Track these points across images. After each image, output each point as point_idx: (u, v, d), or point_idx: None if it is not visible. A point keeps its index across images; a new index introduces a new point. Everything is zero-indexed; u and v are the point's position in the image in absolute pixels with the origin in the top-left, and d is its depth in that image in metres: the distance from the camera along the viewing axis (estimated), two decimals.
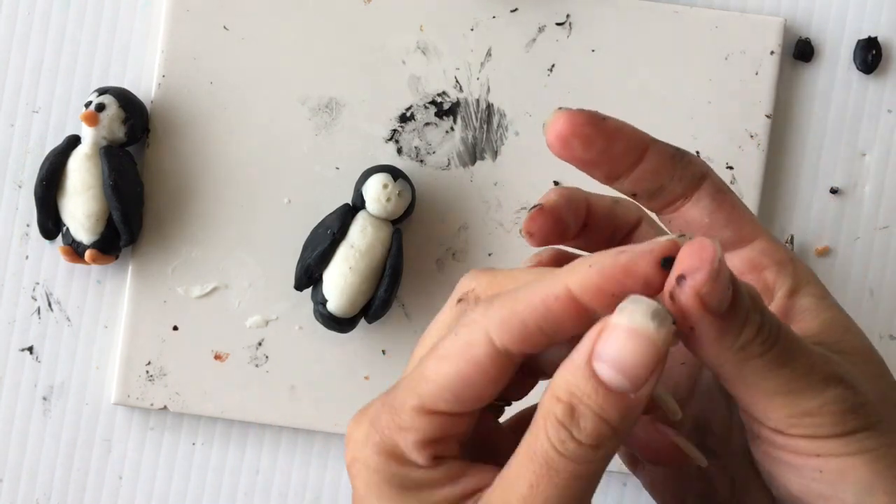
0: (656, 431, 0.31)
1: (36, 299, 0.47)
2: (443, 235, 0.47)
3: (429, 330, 0.32)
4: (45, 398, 0.47)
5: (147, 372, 0.46)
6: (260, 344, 0.47)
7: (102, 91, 0.45)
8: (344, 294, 0.44)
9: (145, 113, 0.46)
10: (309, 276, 0.45)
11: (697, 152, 0.46)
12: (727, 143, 0.46)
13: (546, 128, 0.31)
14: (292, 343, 0.47)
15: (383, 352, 0.47)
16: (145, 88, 0.47)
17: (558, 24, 0.47)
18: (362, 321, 0.46)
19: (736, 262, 0.31)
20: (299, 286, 0.45)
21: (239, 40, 0.47)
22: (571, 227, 0.33)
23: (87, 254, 0.45)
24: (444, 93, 0.47)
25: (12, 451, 0.47)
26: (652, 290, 0.27)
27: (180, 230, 0.47)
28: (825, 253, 0.47)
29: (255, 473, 0.48)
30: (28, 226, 0.47)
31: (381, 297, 0.45)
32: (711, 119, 0.47)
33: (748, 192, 0.46)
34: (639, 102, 0.46)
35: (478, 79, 0.47)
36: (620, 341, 0.26)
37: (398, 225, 0.45)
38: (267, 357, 0.46)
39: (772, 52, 0.46)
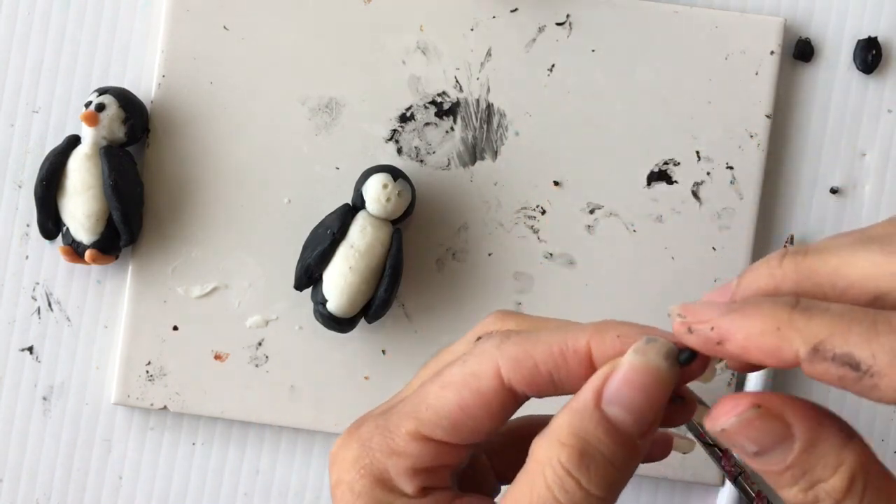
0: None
1: (36, 299, 0.47)
2: (443, 235, 0.47)
3: (438, 357, 0.31)
4: (45, 398, 0.47)
5: (147, 372, 0.46)
6: (260, 344, 0.47)
7: (102, 91, 0.45)
8: (344, 294, 0.44)
9: (145, 113, 0.46)
10: (309, 276, 0.45)
11: (697, 152, 0.46)
12: (727, 142, 0.46)
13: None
14: (292, 343, 0.47)
15: (383, 352, 0.47)
16: (145, 88, 0.47)
17: (558, 24, 0.47)
18: (362, 321, 0.46)
19: None
20: (299, 286, 0.45)
21: (239, 40, 0.47)
22: None
23: (87, 254, 0.45)
24: (444, 93, 0.47)
25: (12, 451, 0.47)
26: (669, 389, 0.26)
27: (180, 230, 0.47)
28: None
29: (255, 473, 0.48)
30: (28, 226, 0.48)
31: (381, 297, 0.45)
32: (711, 119, 0.47)
33: (748, 192, 0.46)
34: (639, 102, 0.46)
35: (478, 79, 0.47)
36: (635, 382, 0.26)
37: (398, 225, 0.45)
38: (267, 357, 0.46)
39: (772, 52, 0.46)
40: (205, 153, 0.47)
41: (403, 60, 0.47)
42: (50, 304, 0.47)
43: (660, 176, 0.47)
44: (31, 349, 0.47)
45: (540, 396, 0.28)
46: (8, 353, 0.47)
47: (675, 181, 0.47)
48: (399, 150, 0.47)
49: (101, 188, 0.45)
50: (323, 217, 0.46)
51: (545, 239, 0.47)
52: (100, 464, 0.47)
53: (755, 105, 0.46)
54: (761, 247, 0.47)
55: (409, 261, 0.46)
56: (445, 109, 0.47)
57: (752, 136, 0.46)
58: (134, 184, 0.46)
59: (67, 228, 0.46)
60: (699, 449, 0.46)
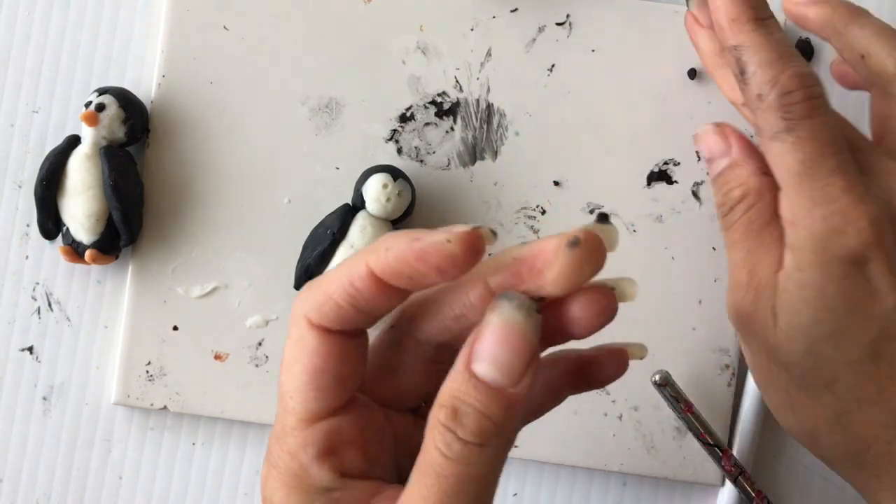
0: (609, 352, 0.33)
1: (36, 299, 0.47)
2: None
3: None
4: (45, 398, 0.48)
5: (147, 372, 0.46)
6: (260, 344, 0.47)
7: (102, 91, 0.46)
8: None
9: (145, 113, 0.46)
10: (309, 276, 0.45)
11: (698, 152, 0.46)
12: None
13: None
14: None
15: None
16: (145, 88, 0.47)
17: (558, 24, 0.47)
18: None
19: None
20: (299, 286, 0.45)
21: (239, 40, 0.47)
22: None
23: (87, 254, 0.45)
24: (444, 93, 0.47)
25: (12, 451, 0.47)
26: (446, 276, 0.28)
27: (180, 230, 0.47)
28: None
29: (254, 473, 0.48)
30: (28, 226, 0.48)
31: None
32: (711, 118, 0.46)
33: None
34: (638, 102, 0.46)
35: (478, 79, 0.47)
36: (494, 338, 0.27)
37: (398, 225, 0.45)
38: (267, 357, 0.46)
39: None
40: (205, 153, 0.47)
41: (403, 60, 0.47)
42: (50, 304, 0.47)
43: (660, 176, 0.47)
44: (31, 349, 0.47)
45: (364, 326, 0.31)
46: (8, 353, 0.47)
47: (675, 181, 0.47)
48: (399, 150, 0.47)
49: (101, 188, 0.45)
50: (323, 217, 0.46)
51: None
52: (100, 464, 0.47)
53: None
54: None
55: None
56: (445, 109, 0.47)
57: (752, 136, 0.46)
58: (134, 184, 0.46)
59: (67, 228, 0.46)
60: (699, 449, 0.46)
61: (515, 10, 0.47)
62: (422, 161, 0.47)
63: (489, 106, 0.47)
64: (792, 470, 0.47)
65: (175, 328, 0.46)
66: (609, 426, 0.46)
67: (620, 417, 0.46)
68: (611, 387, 0.45)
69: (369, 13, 0.47)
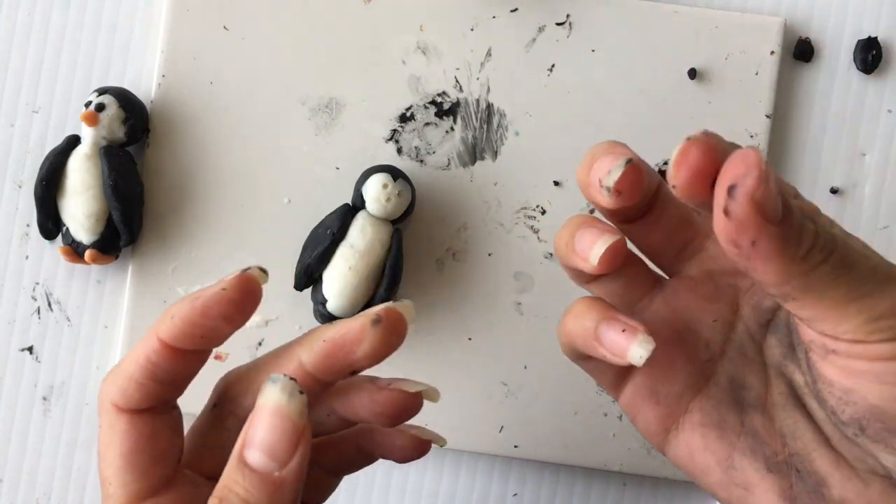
0: (400, 434, 0.36)
1: (36, 299, 0.47)
2: (443, 235, 0.47)
3: None
4: (45, 398, 0.47)
5: None
6: (260, 344, 0.47)
7: (102, 91, 0.45)
8: (343, 294, 0.44)
9: (145, 113, 0.46)
10: (309, 276, 0.45)
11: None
12: None
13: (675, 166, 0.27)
14: None
15: None
16: (145, 88, 0.47)
17: (558, 23, 0.47)
18: None
19: None
20: (299, 286, 0.45)
21: (239, 40, 0.47)
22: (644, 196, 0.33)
23: (87, 254, 0.45)
24: (444, 93, 0.47)
25: (12, 451, 0.47)
26: (234, 322, 0.31)
27: (180, 230, 0.47)
28: None
29: None
30: (28, 226, 0.48)
31: (381, 297, 0.45)
32: (711, 119, 0.46)
33: None
34: (639, 102, 0.46)
35: (478, 79, 0.47)
36: (261, 422, 0.28)
37: (398, 225, 0.45)
38: None
39: (772, 52, 0.46)
40: (205, 153, 0.47)
41: (403, 60, 0.47)
42: (50, 304, 0.47)
43: (660, 176, 0.47)
44: (30, 349, 0.47)
45: (171, 398, 0.33)
46: (8, 353, 0.47)
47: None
48: (399, 150, 0.47)
49: (100, 188, 0.45)
50: (323, 217, 0.46)
51: (545, 239, 0.47)
52: None
53: (755, 105, 0.46)
54: None
55: (409, 261, 0.46)
56: (445, 109, 0.47)
57: (752, 137, 0.46)
58: (134, 184, 0.46)
59: (67, 228, 0.46)
60: None
61: (515, 10, 0.47)
62: (422, 161, 0.47)
63: (489, 106, 0.47)
64: None
65: None
66: (609, 426, 0.46)
67: (620, 417, 0.46)
68: None
69: (369, 13, 0.47)
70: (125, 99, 0.45)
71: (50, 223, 0.46)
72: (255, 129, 0.47)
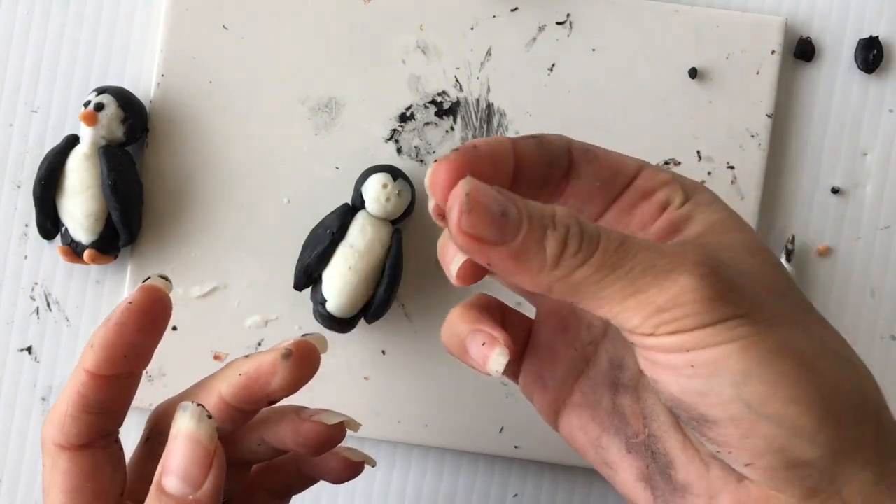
0: (333, 457, 0.38)
1: (35, 299, 0.47)
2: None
3: None
4: (43, 398, 0.47)
5: (146, 372, 0.46)
6: (259, 344, 0.46)
7: (101, 90, 0.45)
8: (343, 294, 0.44)
9: (144, 112, 0.46)
10: (308, 276, 0.45)
11: (698, 152, 0.46)
12: (728, 142, 0.46)
13: (429, 183, 0.29)
14: None
15: (383, 352, 0.47)
16: (144, 88, 0.47)
17: (558, 23, 0.47)
18: (362, 321, 0.46)
19: (631, 195, 0.32)
20: (298, 286, 0.45)
21: (238, 40, 0.46)
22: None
23: (86, 254, 0.45)
24: (444, 92, 0.47)
25: (11, 451, 0.47)
26: (150, 334, 0.33)
27: (179, 230, 0.47)
28: (826, 253, 0.47)
29: None
30: (27, 226, 0.47)
31: (381, 298, 0.45)
32: (712, 118, 0.46)
33: (749, 192, 0.46)
34: (639, 101, 0.46)
35: (478, 78, 0.46)
36: (174, 449, 0.30)
37: (398, 225, 0.45)
38: None
39: (773, 52, 0.46)
40: (204, 153, 0.46)
41: (403, 60, 0.47)
42: (49, 304, 0.47)
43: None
44: (29, 349, 0.47)
45: (111, 431, 0.34)
46: (7, 353, 0.47)
47: None
48: (399, 150, 0.47)
49: (99, 188, 0.45)
50: (323, 217, 0.45)
51: None
52: None
53: (756, 104, 0.46)
54: None
55: (409, 261, 0.46)
56: (445, 109, 0.47)
57: (753, 136, 0.46)
58: (133, 183, 0.46)
59: (66, 228, 0.46)
60: None
61: (516, 9, 0.47)
62: (422, 161, 0.47)
63: (489, 105, 0.47)
64: None
65: (174, 328, 0.46)
66: None
67: None
68: None
69: (369, 13, 0.46)
70: (124, 98, 0.45)
71: (49, 223, 0.46)
72: (255, 129, 0.46)
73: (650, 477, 0.31)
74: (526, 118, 0.46)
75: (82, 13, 0.48)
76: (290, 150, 0.46)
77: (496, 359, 0.30)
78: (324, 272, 0.45)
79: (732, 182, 0.46)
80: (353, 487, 0.47)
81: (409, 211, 0.45)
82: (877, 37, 0.47)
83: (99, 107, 0.45)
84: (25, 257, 0.48)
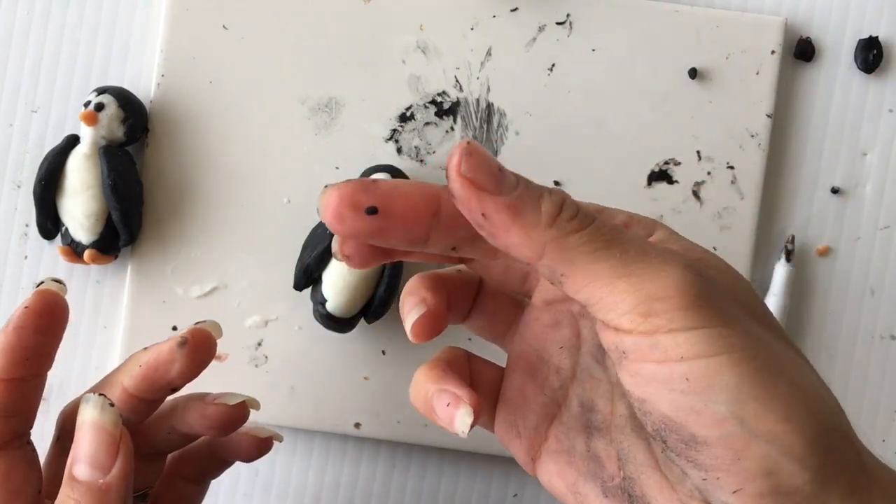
0: (242, 437, 0.40)
1: None
2: None
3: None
4: (44, 398, 0.47)
5: None
6: (259, 344, 0.46)
7: (101, 91, 0.45)
8: (343, 294, 0.44)
9: (144, 113, 0.46)
10: (308, 276, 0.45)
11: (698, 152, 0.46)
12: (728, 142, 0.46)
13: (320, 209, 0.28)
14: (292, 343, 0.46)
15: (383, 352, 0.47)
16: (144, 88, 0.47)
17: (558, 23, 0.47)
18: (362, 321, 0.46)
19: None
20: (298, 286, 0.45)
21: (238, 40, 0.46)
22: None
23: (87, 254, 0.45)
24: (444, 92, 0.47)
25: None
26: (50, 336, 0.35)
27: (180, 230, 0.47)
28: (826, 253, 0.47)
29: (254, 474, 0.48)
30: (27, 226, 0.47)
31: (381, 297, 0.45)
32: (712, 118, 0.46)
33: (749, 192, 0.46)
34: (639, 102, 0.46)
35: (478, 78, 0.46)
36: (80, 438, 0.31)
37: None
38: (267, 357, 0.46)
39: (773, 52, 0.46)
40: (204, 153, 0.46)
41: (403, 60, 0.47)
42: None
43: (660, 176, 0.47)
44: None
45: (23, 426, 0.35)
46: None
47: (676, 181, 0.47)
48: (399, 150, 0.47)
49: (100, 188, 0.45)
50: None
51: None
52: None
53: (756, 104, 0.46)
54: (762, 247, 0.47)
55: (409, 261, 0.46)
56: (445, 109, 0.47)
57: (752, 136, 0.46)
58: (133, 183, 0.46)
59: (66, 228, 0.46)
60: None
61: (516, 9, 0.47)
62: (422, 161, 0.47)
63: (489, 105, 0.47)
64: None
65: (174, 328, 0.46)
66: None
67: None
68: None
69: (369, 13, 0.46)
70: (124, 99, 0.45)
71: (49, 223, 0.46)
72: (255, 129, 0.46)
73: None
74: (526, 118, 0.46)
75: (82, 13, 0.48)
76: (290, 150, 0.46)
77: (461, 419, 0.30)
78: (324, 272, 0.45)
79: (732, 182, 0.46)
80: (352, 487, 0.47)
81: None
82: (876, 37, 0.47)
83: (99, 107, 0.45)
84: (26, 257, 0.48)
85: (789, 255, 0.47)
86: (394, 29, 0.46)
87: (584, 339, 0.33)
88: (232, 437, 0.40)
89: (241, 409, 0.38)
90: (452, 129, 0.47)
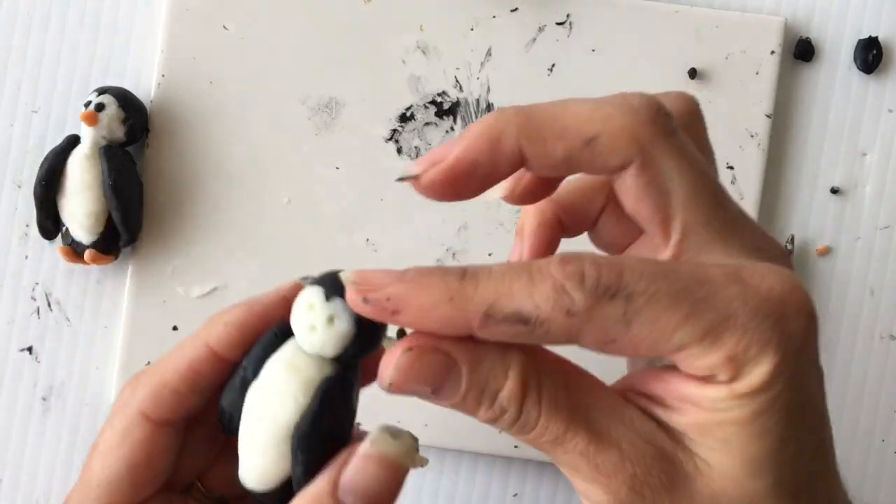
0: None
1: (35, 299, 0.47)
2: (443, 235, 0.47)
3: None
4: (44, 398, 0.47)
5: None
6: None
7: (102, 91, 0.45)
8: (249, 458, 0.29)
9: (145, 113, 0.46)
10: (224, 425, 0.30)
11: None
12: (728, 142, 0.46)
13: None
14: None
15: None
16: (145, 88, 0.47)
17: (558, 23, 0.47)
18: None
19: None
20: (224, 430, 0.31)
21: (239, 40, 0.46)
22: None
23: (87, 254, 0.45)
24: (444, 92, 0.47)
25: (12, 451, 0.47)
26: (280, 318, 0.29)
27: (180, 230, 0.47)
28: (826, 253, 0.47)
29: None
30: (27, 226, 0.47)
31: (297, 479, 0.29)
32: (712, 118, 0.46)
33: (748, 192, 0.46)
34: None
35: (478, 78, 0.47)
36: (369, 471, 0.27)
37: (348, 365, 0.29)
38: None
39: (772, 52, 0.46)
40: (204, 153, 0.47)
41: (403, 60, 0.47)
42: (49, 304, 0.47)
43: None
44: (30, 349, 0.47)
45: (196, 411, 0.30)
46: (7, 353, 0.47)
47: None
48: (399, 150, 0.47)
49: (100, 188, 0.45)
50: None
51: None
52: None
53: (756, 105, 0.46)
54: None
55: (408, 261, 0.46)
56: (445, 109, 0.47)
57: (752, 136, 0.46)
58: (133, 184, 0.46)
59: (67, 228, 0.46)
60: None
61: (515, 9, 0.47)
62: None
63: (489, 105, 0.47)
64: None
65: (175, 328, 0.46)
66: None
67: None
68: None
69: (369, 13, 0.46)
70: (125, 99, 0.45)
71: (49, 223, 0.46)
72: (255, 129, 0.46)
73: None
74: None
75: (83, 13, 0.48)
76: (290, 150, 0.47)
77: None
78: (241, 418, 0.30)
79: (732, 182, 0.46)
80: None
81: (361, 347, 0.29)
82: (876, 37, 0.47)
83: (99, 107, 0.45)
84: (26, 257, 0.48)
85: (789, 255, 0.47)
86: (394, 29, 0.46)
87: None
88: None
89: None
90: (452, 129, 0.47)
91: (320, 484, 0.27)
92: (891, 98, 0.47)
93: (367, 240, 0.46)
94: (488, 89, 0.47)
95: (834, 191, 0.47)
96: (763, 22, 0.46)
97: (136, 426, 0.30)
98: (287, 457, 0.28)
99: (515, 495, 0.48)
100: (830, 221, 0.47)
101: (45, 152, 0.46)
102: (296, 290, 0.29)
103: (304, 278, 0.29)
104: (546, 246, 0.32)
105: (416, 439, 0.28)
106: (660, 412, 0.26)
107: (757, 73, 0.46)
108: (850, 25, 0.47)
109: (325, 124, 0.47)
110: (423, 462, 0.28)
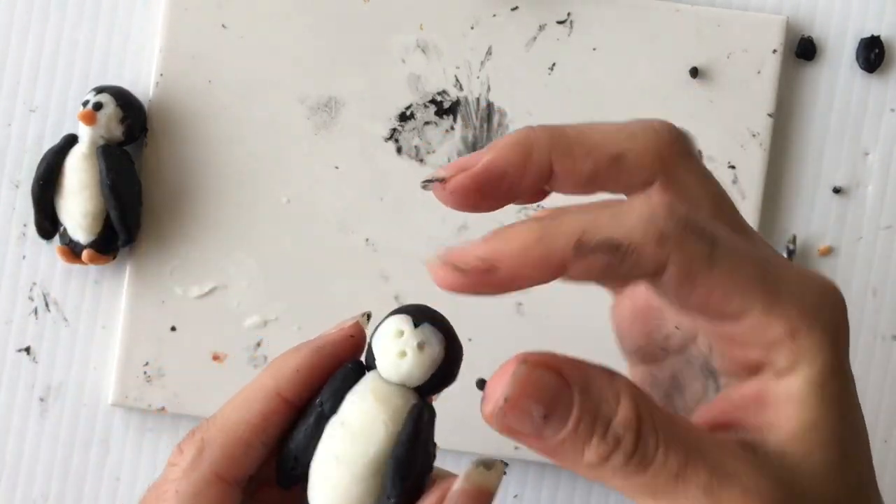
0: None
1: (33, 299, 0.47)
2: (443, 235, 0.46)
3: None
4: (42, 399, 0.47)
5: (145, 373, 0.46)
6: (259, 345, 0.46)
7: (100, 90, 0.45)
8: (329, 500, 0.29)
9: (143, 112, 0.46)
10: (289, 469, 0.30)
11: (699, 151, 0.46)
12: (729, 142, 0.46)
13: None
14: (291, 343, 0.46)
15: None
16: (143, 87, 0.47)
17: (559, 22, 0.46)
18: None
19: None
20: (280, 481, 0.30)
21: (238, 39, 0.46)
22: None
23: (85, 254, 0.45)
24: (444, 91, 0.46)
25: (9, 452, 0.47)
26: (348, 357, 0.29)
27: (178, 230, 0.46)
28: (828, 253, 0.47)
29: None
30: (25, 225, 0.47)
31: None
32: (713, 118, 0.46)
33: (750, 192, 0.46)
34: (640, 101, 0.46)
35: (478, 77, 0.46)
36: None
37: (427, 397, 0.31)
38: (266, 358, 0.46)
39: (774, 51, 0.46)
40: (203, 152, 0.46)
41: (403, 59, 0.46)
42: (47, 305, 0.47)
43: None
44: (28, 350, 0.47)
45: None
46: (5, 353, 0.47)
47: None
48: (399, 150, 0.46)
49: (98, 188, 0.45)
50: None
51: None
52: (97, 465, 0.47)
53: (757, 104, 0.46)
54: None
55: (409, 260, 0.46)
56: (445, 108, 0.46)
57: (754, 136, 0.46)
58: (132, 183, 0.45)
59: (65, 228, 0.46)
60: None
61: (516, 8, 0.46)
62: (422, 160, 0.46)
63: (489, 105, 0.46)
64: None
65: (173, 329, 0.46)
66: None
67: None
68: None
69: (369, 12, 0.46)
70: (123, 98, 0.45)
71: (47, 223, 0.46)
72: (254, 129, 0.46)
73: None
74: (526, 118, 0.46)
75: (81, 12, 0.47)
76: (290, 149, 0.46)
77: None
78: (312, 462, 0.29)
79: (733, 182, 0.46)
80: None
81: (444, 376, 0.30)
82: (878, 36, 0.47)
83: (98, 106, 0.45)
84: (24, 257, 0.47)
85: (791, 255, 0.47)
86: (393, 28, 0.46)
87: (697, 344, 0.30)
88: None
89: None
90: (452, 128, 0.46)
91: None
92: (893, 97, 0.47)
93: (367, 239, 0.46)
94: (488, 88, 0.46)
95: (836, 190, 0.47)
96: (765, 21, 0.46)
97: (210, 488, 0.29)
98: (372, 492, 0.28)
99: (516, 496, 0.47)
100: (832, 221, 0.47)
101: (43, 151, 0.46)
102: (358, 327, 0.30)
103: (364, 315, 0.30)
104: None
105: (506, 465, 0.28)
106: (751, 437, 0.26)
107: (758, 72, 0.46)
108: (852, 24, 0.47)
109: (325, 123, 0.46)
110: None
